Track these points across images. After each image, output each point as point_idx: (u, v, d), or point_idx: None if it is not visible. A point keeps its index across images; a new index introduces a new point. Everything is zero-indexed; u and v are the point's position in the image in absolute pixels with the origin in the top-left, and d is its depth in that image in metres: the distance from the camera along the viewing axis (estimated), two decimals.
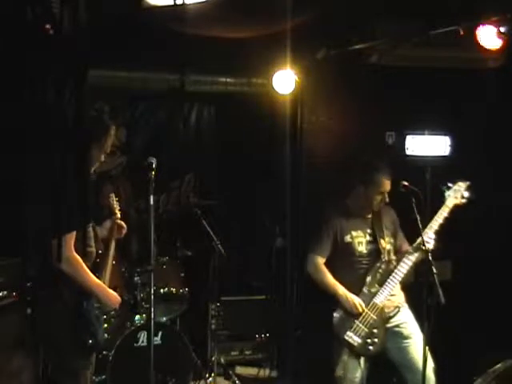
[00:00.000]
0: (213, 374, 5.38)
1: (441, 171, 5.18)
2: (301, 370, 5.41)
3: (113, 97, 5.81)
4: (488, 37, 4.40)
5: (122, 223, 4.05)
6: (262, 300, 5.94)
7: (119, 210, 4.21)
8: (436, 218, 4.33)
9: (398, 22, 4.80)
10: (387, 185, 4.39)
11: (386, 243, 4.44)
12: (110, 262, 3.88)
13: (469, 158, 5.28)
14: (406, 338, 4.34)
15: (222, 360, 5.70)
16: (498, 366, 4.18)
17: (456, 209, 4.40)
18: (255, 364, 5.88)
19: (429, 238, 4.22)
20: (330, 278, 4.39)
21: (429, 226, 4.29)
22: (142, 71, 5.58)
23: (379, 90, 5.43)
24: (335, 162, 5.44)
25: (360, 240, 4.44)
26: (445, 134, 5.45)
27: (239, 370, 5.84)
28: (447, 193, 4.44)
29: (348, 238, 4.44)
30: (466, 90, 5.44)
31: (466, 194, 4.44)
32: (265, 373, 5.79)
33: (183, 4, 3.86)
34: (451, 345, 4.94)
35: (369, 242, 4.44)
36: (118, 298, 3.64)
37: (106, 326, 3.71)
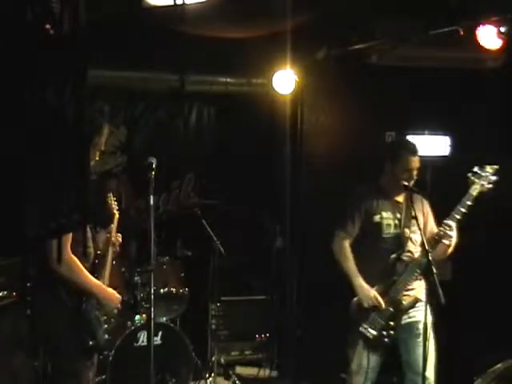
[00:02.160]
0: (213, 374, 5.38)
1: (441, 171, 5.18)
2: (301, 369, 5.42)
3: (113, 97, 5.83)
4: (488, 37, 4.41)
5: (118, 238, 4.04)
6: (262, 300, 5.93)
7: (118, 210, 4.21)
8: (459, 206, 4.08)
9: (398, 22, 4.80)
10: (414, 162, 4.21)
11: (410, 232, 4.23)
12: (109, 262, 3.88)
13: (469, 158, 5.28)
14: (416, 336, 4.19)
15: (222, 360, 5.70)
16: (498, 366, 4.18)
17: (481, 196, 4.14)
18: (255, 364, 5.88)
19: (449, 227, 4.05)
20: (351, 265, 4.20)
21: (451, 215, 4.07)
22: (142, 71, 5.59)
23: (379, 90, 5.44)
24: (335, 162, 5.44)
25: (389, 222, 4.25)
26: (445, 134, 5.45)
27: (239, 369, 5.84)
28: (472, 179, 4.15)
29: (377, 218, 4.24)
30: (466, 90, 5.44)
31: (493, 179, 4.17)
32: (265, 373, 5.78)
33: (183, 4, 3.86)
34: (451, 345, 4.93)
35: (396, 227, 4.24)
36: (119, 297, 3.64)
37: (106, 326, 3.69)
